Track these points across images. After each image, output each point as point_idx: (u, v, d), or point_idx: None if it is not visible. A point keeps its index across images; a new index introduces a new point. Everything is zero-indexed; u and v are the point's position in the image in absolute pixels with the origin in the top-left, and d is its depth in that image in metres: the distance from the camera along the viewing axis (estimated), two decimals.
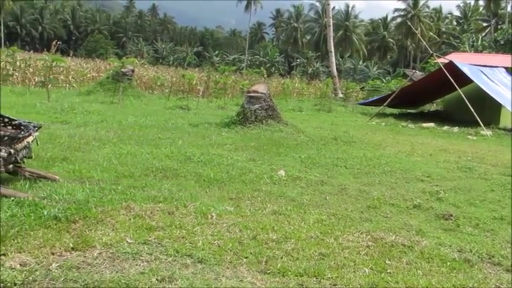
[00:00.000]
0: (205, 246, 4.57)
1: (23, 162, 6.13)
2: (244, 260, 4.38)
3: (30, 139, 6.07)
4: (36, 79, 24.20)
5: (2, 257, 3.98)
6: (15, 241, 4.25)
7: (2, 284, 3.58)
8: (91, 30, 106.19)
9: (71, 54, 55.87)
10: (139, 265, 4.09)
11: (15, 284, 3.61)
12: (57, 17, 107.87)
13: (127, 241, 4.51)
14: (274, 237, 4.97)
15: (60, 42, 27.73)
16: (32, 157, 6.34)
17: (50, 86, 19.27)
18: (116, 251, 4.31)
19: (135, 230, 4.80)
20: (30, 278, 3.71)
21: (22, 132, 6.01)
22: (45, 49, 37.85)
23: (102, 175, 6.67)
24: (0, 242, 4.16)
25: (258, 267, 4.27)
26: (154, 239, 4.63)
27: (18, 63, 24.48)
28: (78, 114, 12.97)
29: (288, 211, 5.94)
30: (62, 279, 3.73)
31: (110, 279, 3.77)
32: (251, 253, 4.52)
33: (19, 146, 5.76)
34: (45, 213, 4.84)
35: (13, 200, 5.08)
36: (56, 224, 4.70)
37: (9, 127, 6.33)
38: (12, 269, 3.81)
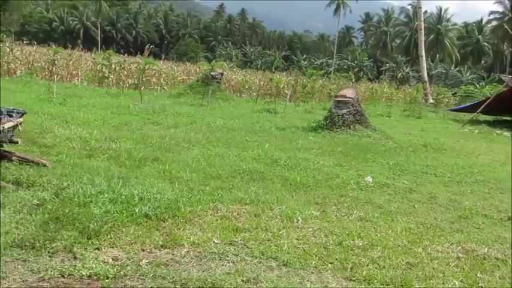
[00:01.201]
0: (290, 249, 4.57)
1: (1, 146, 6.47)
2: (329, 265, 4.35)
3: (8, 125, 6.45)
4: (130, 81, 25.08)
5: (96, 251, 4.15)
6: (109, 236, 4.42)
7: (95, 276, 3.74)
8: (182, 34, 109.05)
9: (162, 58, 57.48)
10: (225, 265, 4.15)
11: (107, 278, 3.75)
12: (150, 22, 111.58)
13: (214, 241, 4.59)
14: (360, 244, 4.90)
15: (153, 46, 28.64)
16: (17, 142, 6.76)
17: (142, 88, 19.95)
18: (203, 250, 4.39)
19: (222, 230, 4.87)
20: (122, 272, 3.85)
21: None
22: (138, 52, 39.19)
23: (191, 176, 6.82)
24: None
25: (343, 273, 4.22)
26: (241, 240, 4.69)
27: (113, 66, 25.46)
28: (169, 116, 13.31)
29: (375, 218, 5.84)
30: (151, 275, 3.84)
31: (197, 278, 3.85)
32: (336, 259, 4.48)
33: None
34: (137, 210, 5.00)
35: (107, 196, 5.28)
36: (146, 222, 4.85)
37: None
38: (105, 262, 3.97)
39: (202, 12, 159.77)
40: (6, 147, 6.55)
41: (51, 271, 3.75)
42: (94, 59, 27.38)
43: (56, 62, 23.45)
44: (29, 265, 3.82)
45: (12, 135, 6.73)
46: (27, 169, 6.24)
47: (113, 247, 4.27)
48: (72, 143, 8.30)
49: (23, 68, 25.06)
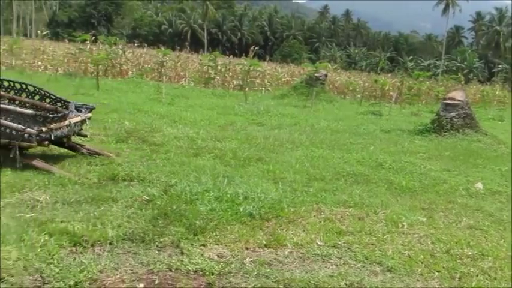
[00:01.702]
0: (395, 255, 4.46)
1: (68, 140, 7.00)
2: (436, 273, 4.20)
3: (75, 119, 6.85)
4: (235, 82, 25.59)
5: (202, 247, 4.25)
6: (214, 233, 4.52)
7: (201, 272, 3.83)
8: (286, 36, 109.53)
9: (267, 59, 58.06)
10: (329, 268, 4.12)
11: (212, 274, 3.83)
12: (255, 24, 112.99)
13: (317, 243, 4.57)
14: (470, 253, 4.68)
15: (257, 48, 28.96)
16: (86, 136, 7.41)
17: (247, 89, 20.23)
18: (306, 251, 4.38)
19: (325, 232, 4.83)
20: (226, 269, 3.92)
21: (57, 114, 6.68)
22: (243, 54, 39.79)
23: (294, 177, 6.83)
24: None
25: (451, 283, 4.06)
26: (344, 243, 4.63)
27: (219, 68, 26.06)
28: (273, 117, 13.43)
29: (486, 227, 5.56)
30: (255, 273, 3.88)
31: (300, 279, 3.84)
32: (444, 267, 4.31)
33: (54, 125, 6.37)
34: (241, 209, 5.07)
35: (213, 194, 5.40)
36: (250, 221, 4.91)
37: (48, 105, 7.33)
38: (210, 259, 4.05)
39: (306, 14, 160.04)
40: (87, 141, 6.89)
41: (160, 264, 3.88)
42: (201, 60, 28.19)
43: (165, 63, 24.32)
44: (139, 258, 3.97)
45: (81, 129, 7.20)
46: (138, 165, 6.52)
47: (218, 244, 4.35)
48: (180, 141, 8.57)
49: (134, 70, 26.25)
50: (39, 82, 16.46)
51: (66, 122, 6.68)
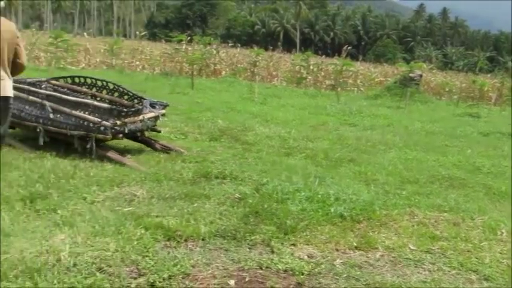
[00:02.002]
0: (492, 263, 4.27)
1: (142, 134, 7.40)
2: None
3: (149, 115, 7.18)
4: (327, 82, 25.45)
5: (292, 247, 4.25)
6: (304, 233, 4.51)
7: (291, 271, 3.84)
8: (380, 35, 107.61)
9: (359, 59, 57.41)
10: (421, 273, 4.01)
11: (302, 274, 3.82)
12: (348, 23, 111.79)
13: (409, 247, 4.45)
14: None
15: (350, 47, 28.64)
16: (160, 131, 7.77)
17: (339, 89, 20.10)
18: (398, 255, 4.28)
19: (418, 237, 4.70)
20: (316, 270, 3.90)
21: (132, 108, 7.08)
22: (336, 54, 39.51)
23: (387, 179, 6.71)
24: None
25: None
26: (438, 249, 4.48)
27: (311, 67, 26.02)
28: (365, 118, 13.26)
29: None
30: (345, 275, 3.84)
31: (391, 283, 3.77)
32: None
33: (128, 119, 6.76)
34: (332, 210, 5.03)
35: (304, 194, 5.40)
36: (341, 222, 4.85)
37: (126, 101, 7.76)
38: (300, 259, 4.05)
39: (401, 13, 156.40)
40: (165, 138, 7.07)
41: (250, 262, 3.92)
42: (293, 60, 28.28)
43: (258, 63, 24.60)
44: (230, 255, 4.04)
45: (155, 125, 7.51)
46: (231, 164, 6.63)
47: (308, 244, 4.34)
48: (272, 141, 8.65)
49: (227, 69, 26.70)
50: (137, 81, 17.17)
51: (140, 117, 7.03)
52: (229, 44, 39.28)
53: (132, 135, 7.31)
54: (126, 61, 26.19)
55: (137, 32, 51.84)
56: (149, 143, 7.53)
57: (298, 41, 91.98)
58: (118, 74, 20.44)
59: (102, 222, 4.36)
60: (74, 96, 7.53)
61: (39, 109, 6.80)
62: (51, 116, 6.71)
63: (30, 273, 3.41)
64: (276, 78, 26.66)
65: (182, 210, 4.83)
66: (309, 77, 25.61)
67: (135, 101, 7.68)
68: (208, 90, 17.00)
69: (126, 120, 6.76)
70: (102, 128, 6.50)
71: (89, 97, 7.72)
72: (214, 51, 25.94)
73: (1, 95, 5.15)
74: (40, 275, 3.40)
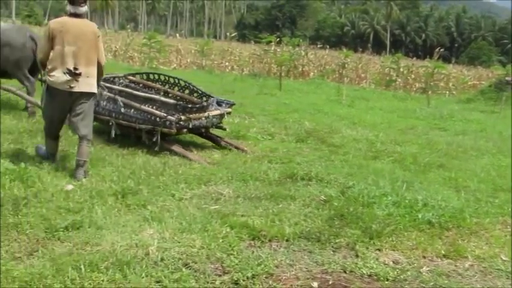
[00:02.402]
0: None
1: (207, 131, 7.62)
2: None
3: (215, 113, 7.36)
4: (417, 85, 24.87)
5: (377, 252, 4.20)
6: (390, 239, 4.43)
7: (375, 277, 3.79)
8: (474, 37, 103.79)
9: (452, 62, 55.62)
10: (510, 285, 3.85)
11: (387, 279, 3.76)
12: (441, 24, 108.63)
13: (501, 258, 4.28)
14: None
15: (443, 49, 27.86)
16: (225, 129, 7.92)
17: (430, 92, 19.58)
18: (489, 266, 4.13)
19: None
20: (401, 276, 3.82)
21: (197, 105, 7.31)
22: (427, 56, 38.50)
23: (478, 186, 6.46)
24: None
25: None
26: None
27: (401, 70, 25.52)
28: (457, 122, 12.86)
29: None
30: (432, 283, 3.74)
31: None
32: None
33: (193, 115, 7.00)
34: (420, 216, 4.90)
35: (390, 199, 5.30)
36: (429, 229, 4.73)
37: (195, 98, 7.93)
38: (385, 264, 3.99)
39: (497, 14, 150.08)
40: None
41: (334, 265, 3.90)
42: (382, 62, 27.89)
43: (346, 65, 24.43)
44: (313, 257, 4.03)
45: (220, 123, 7.69)
46: (317, 166, 6.62)
47: (393, 250, 4.27)
48: (359, 144, 8.55)
49: (315, 71, 26.65)
50: (226, 82, 17.49)
51: (205, 114, 7.24)
52: (318, 46, 39.21)
53: (197, 131, 7.58)
54: (215, 62, 26.74)
55: (227, 33, 52.80)
56: (214, 140, 7.74)
57: (388, 42, 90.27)
58: (208, 74, 20.89)
59: (189, 219, 4.48)
60: (147, 92, 7.88)
61: (112, 103, 7.19)
62: (122, 110, 7.08)
63: (120, 266, 3.56)
64: (364, 81, 26.34)
65: (267, 210, 4.87)
66: (399, 80, 25.15)
67: (204, 98, 7.86)
68: (296, 92, 17.04)
69: (191, 116, 7.02)
70: (167, 123, 6.77)
71: (161, 93, 8.02)
72: (303, 53, 25.96)
73: (88, 91, 5.64)
74: (129, 268, 3.54)
